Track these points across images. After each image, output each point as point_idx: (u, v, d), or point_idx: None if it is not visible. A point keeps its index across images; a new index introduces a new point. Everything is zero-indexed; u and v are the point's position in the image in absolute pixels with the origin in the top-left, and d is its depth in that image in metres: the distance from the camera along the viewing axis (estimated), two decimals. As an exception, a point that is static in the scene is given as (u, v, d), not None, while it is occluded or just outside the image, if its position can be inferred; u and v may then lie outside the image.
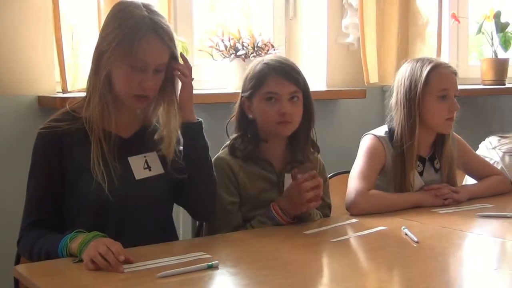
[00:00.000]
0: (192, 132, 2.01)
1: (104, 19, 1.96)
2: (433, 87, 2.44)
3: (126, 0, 1.94)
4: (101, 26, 1.95)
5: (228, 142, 2.24)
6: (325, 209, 2.30)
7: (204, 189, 2.03)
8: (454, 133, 2.58)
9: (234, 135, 2.23)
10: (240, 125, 2.23)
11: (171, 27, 1.95)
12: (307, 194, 2.07)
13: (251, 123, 2.20)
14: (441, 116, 2.44)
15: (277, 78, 2.15)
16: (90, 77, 1.94)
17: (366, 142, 2.50)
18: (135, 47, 1.84)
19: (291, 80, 2.15)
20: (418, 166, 2.50)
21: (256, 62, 2.22)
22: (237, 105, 2.24)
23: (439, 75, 2.45)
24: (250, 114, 2.20)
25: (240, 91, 2.26)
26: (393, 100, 2.51)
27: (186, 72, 1.98)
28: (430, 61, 2.47)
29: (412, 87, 2.44)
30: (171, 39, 1.92)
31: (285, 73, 2.16)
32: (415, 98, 2.43)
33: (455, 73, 2.49)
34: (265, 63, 2.18)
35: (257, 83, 2.17)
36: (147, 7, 1.91)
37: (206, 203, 2.06)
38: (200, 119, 2.04)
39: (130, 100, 1.92)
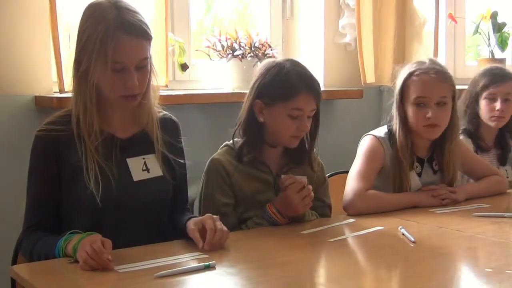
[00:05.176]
0: None
1: (79, 22, 1.91)
2: (408, 94, 2.43)
3: (96, 2, 1.91)
4: (77, 32, 1.91)
5: (228, 143, 2.23)
6: (325, 209, 2.30)
7: None
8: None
9: (240, 141, 2.18)
10: (248, 127, 2.17)
11: (142, 17, 1.90)
12: (300, 195, 2.08)
13: (260, 126, 2.16)
14: (419, 122, 2.42)
15: (309, 96, 2.11)
16: (73, 86, 1.92)
17: (365, 143, 2.49)
18: (110, 51, 1.82)
19: (317, 97, 2.13)
20: (417, 167, 2.50)
21: (278, 66, 2.14)
22: (246, 106, 2.18)
23: (414, 83, 2.42)
24: (261, 117, 2.15)
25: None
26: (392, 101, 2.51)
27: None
28: (416, 65, 2.45)
29: (398, 91, 2.46)
30: (145, 32, 1.88)
31: (314, 90, 2.12)
32: (397, 103, 2.45)
33: (443, 78, 2.43)
34: (296, 73, 2.11)
35: (286, 95, 2.10)
36: (115, 4, 1.87)
37: None
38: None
39: (119, 101, 1.91)
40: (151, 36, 1.91)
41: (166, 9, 2.75)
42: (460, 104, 2.81)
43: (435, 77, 2.42)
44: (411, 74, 2.44)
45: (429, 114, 2.39)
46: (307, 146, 2.24)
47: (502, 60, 3.87)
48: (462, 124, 2.88)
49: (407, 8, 3.43)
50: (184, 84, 3.07)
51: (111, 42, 1.82)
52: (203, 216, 1.90)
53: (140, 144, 2.00)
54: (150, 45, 1.91)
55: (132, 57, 1.86)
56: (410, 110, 2.43)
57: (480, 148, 2.92)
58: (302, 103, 2.10)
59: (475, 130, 2.93)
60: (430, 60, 2.49)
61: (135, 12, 1.90)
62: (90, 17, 1.88)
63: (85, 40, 1.86)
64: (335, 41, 3.41)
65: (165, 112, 2.08)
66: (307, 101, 2.11)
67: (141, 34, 1.87)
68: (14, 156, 2.49)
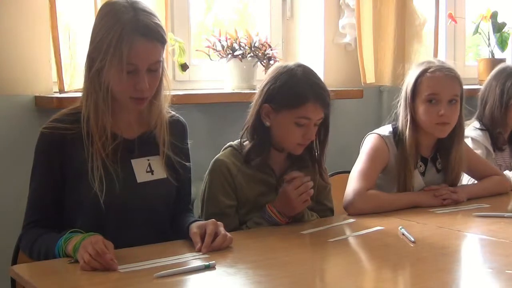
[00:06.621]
0: None
1: (94, 20, 1.92)
2: (421, 91, 2.43)
3: (113, 0, 1.90)
4: (92, 30, 1.90)
5: (232, 143, 2.22)
6: (327, 212, 2.30)
7: None
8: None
9: (248, 145, 2.18)
10: (255, 131, 2.16)
11: (158, 20, 1.90)
12: (299, 190, 2.08)
13: (266, 130, 2.15)
14: (431, 120, 2.41)
15: (317, 105, 2.09)
16: (85, 85, 1.91)
17: (370, 141, 2.49)
18: (125, 53, 1.81)
19: (325, 106, 2.12)
20: (420, 166, 2.49)
21: (289, 72, 2.12)
22: (254, 110, 2.16)
23: (427, 79, 2.42)
24: (268, 122, 2.14)
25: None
26: (399, 100, 2.51)
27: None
28: (427, 64, 2.46)
29: (407, 89, 2.45)
30: (161, 36, 1.87)
31: (323, 100, 2.10)
32: (408, 100, 2.44)
33: (455, 77, 2.44)
34: (306, 81, 2.09)
35: (294, 103, 2.08)
36: (132, 5, 1.86)
37: None
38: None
39: (127, 102, 1.90)
40: (166, 40, 1.90)
41: (166, 9, 2.75)
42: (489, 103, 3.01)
43: (449, 74, 2.43)
44: (425, 71, 2.43)
45: (442, 112, 2.39)
46: (316, 154, 2.24)
47: (502, 60, 3.87)
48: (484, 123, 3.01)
49: (407, 8, 3.42)
50: (184, 84, 3.07)
51: (127, 44, 1.81)
52: (207, 221, 1.90)
53: (146, 145, 1.99)
54: (164, 48, 1.90)
55: (145, 60, 1.85)
56: (422, 108, 2.42)
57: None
58: (309, 112, 2.09)
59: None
60: (438, 60, 2.50)
61: (152, 14, 1.88)
62: (106, 16, 1.87)
63: (99, 39, 1.85)
64: (335, 41, 3.41)
65: (173, 113, 2.07)
66: (314, 110, 2.10)
67: (157, 37, 1.86)
68: (14, 156, 2.49)
